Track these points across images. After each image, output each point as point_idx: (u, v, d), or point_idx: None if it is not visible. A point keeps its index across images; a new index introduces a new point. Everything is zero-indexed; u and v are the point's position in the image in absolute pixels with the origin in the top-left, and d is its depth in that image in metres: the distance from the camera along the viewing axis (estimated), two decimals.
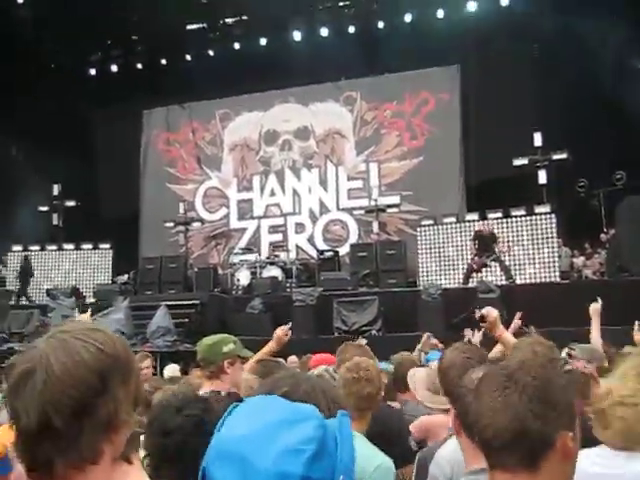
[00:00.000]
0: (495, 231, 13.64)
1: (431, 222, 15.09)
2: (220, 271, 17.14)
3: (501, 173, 15.80)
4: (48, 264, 17.49)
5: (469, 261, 13.76)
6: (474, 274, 13.57)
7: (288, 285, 15.80)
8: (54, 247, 17.71)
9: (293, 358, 8.73)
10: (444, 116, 18.15)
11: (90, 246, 17.54)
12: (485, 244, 13.34)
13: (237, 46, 19.64)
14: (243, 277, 15.90)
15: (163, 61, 20.16)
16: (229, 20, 19.63)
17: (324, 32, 18.74)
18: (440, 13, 17.68)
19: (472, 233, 13.94)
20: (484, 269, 13.57)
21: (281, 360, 4.51)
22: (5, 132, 18.65)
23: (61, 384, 1.17)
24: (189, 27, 19.68)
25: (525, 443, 1.42)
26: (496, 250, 13.36)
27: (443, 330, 11.38)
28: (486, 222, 14.11)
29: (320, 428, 1.00)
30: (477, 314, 3.76)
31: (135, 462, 1.30)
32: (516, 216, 14.11)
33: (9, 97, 18.08)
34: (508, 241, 13.89)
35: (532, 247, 13.83)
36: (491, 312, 3.75)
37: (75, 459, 1.18)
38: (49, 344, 1.22)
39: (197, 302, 13.74)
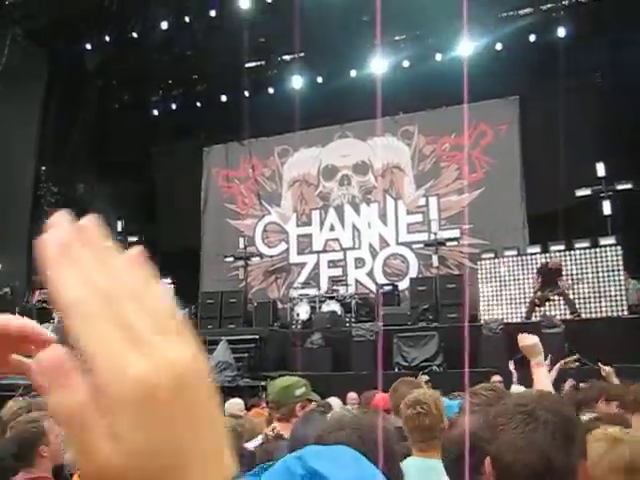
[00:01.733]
0: (562, 266, 13.35)
1: (492, 255, 14.89)
2: (279, 305, 17.22)
3: (563, 204, 15.47)
4: None
5: (532, 295, 13.48)
6: (537, 308, 13.29)
7: (347, 320, 15.75)
8: None
9: (353, 395, 8.67)
10: (503, 148, 17.97)
11: None
12: (549, 278, 13.06)
13: (295, 82, 19.92)
14: (302, 312, 15.93)
15: (222, 99, 20.56)
16: (286, 57, 19.95)
17: (381, 67, 18.85)
18: (498, 46, 17.59)
19: (536, 266, 13.69)
20: (547, 303, 13.28)
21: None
22: (72, 171, 19.31)
23: None
24: (247, 65, 20.07)
25: (553, 475, 1.48)
26: (560, 285, 13.07)
27: (505, 366, 11.15)
28: (553, 256, 13.83)
29: None
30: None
31: None
32: (580, 248, 13.81)
33: (76, 137, 18.72)
34: (572, 277, 13.58)
35: (597, 281, 13.48)
36: (525, 339, 3.57)
37: None
38: None
39: (257, 337, 13.79)
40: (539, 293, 13.16)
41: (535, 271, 13.61)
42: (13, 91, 16.92)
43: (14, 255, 17.34)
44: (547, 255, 13.99)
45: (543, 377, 3.38)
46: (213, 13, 17.71)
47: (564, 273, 13.35)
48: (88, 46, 18.28)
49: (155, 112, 21.12)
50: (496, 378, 9.32)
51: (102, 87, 20.00)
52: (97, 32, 17.98)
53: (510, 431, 1.51)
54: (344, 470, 1.05)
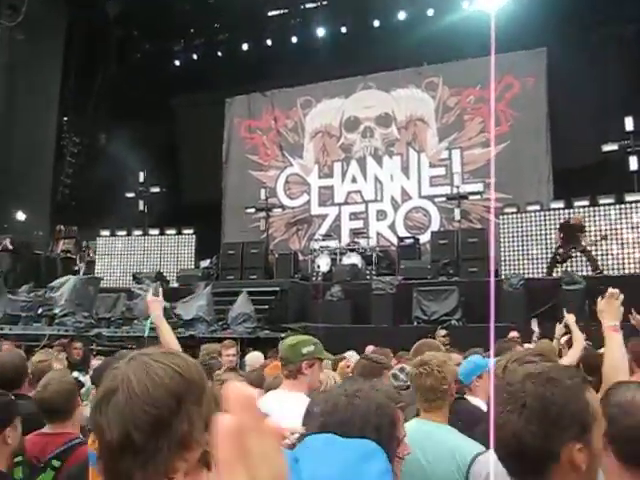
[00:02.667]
0: (585, 222, 13.19)
1: (514, 210, 14.76)
2: (300, 257, 17.27)
3: (589, 160, 15.27)
4: (134, 249, 18.00)
5: (554, 251, 13.39)
6: (559, 265, 13.21)
7: (368, 273, 15.78)
8: (139, 232, 18.19)
9: (371, 348, 8.72)
10: (529, 101, 17.65)
11: (174, 231, 17.93)
12: (572, 235, 12.94)
13: (318, 32, 19.62)
14: (323, 264, 15.97)
15: (244, 48, 20.33)
16: (310, 5, 19.62)
17: (403, 16, 18.50)
18: None
19: (559, 222, 13.56)
20: (569, 260, 13.20)
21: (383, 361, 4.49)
22: (94, 121, 19.32)
23: (141, 402, 1.26)
24: (270, 13, 19.79)
25: (525, 458, 1.49)
26: (583, 242, 12.94)
27: (524, 322, 11.15)
28: (577, 211, 13.68)
29: (386, 461, 1.08)
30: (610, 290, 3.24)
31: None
32: (604, 204, 13.64)
33: (97, 88, 18.68)
34: (595, 234, 13.42)
35: (621, 237, 13.34)
36: (609, 302, 3.14)
37: (153, 474, 1.25)
38: (131, 365, 1.32)
39: (277, 289, 13.86)
40: (561, 250, 13.07)
41: (557, 227, 13.48)
42: (34, 41, 16.86)
43: (38, 205, 17.52)
44: (571, 211, 13.85)
45: (616, 345, 3.01)
46: None
47: (587, 229, 13.22)
48: None
49: (177, 62, 20.97)
50: (513, 334, 9.29)
51: (123, 37, 19.86)
52: None
53: (497, 407, 1.56)
54: (322, 467, 1.07)
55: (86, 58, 18.20)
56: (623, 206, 13.44)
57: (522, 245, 14.35)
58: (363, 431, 1.60)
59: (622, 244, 13.34)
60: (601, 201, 13.68)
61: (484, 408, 3.59)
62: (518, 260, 14.33)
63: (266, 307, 13.30)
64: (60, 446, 3.35)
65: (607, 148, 14.79)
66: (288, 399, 3.35)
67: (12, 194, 16.78)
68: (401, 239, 16.82)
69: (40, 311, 11.37)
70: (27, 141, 17.19)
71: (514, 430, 1.50)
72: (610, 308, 3.12)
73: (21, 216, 17.13)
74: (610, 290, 3.16)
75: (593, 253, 13.11)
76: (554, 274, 13.02)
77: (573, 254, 13.10)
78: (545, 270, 13.51)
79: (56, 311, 11.11)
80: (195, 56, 20.65)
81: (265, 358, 7.86)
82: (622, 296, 3.14)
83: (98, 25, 18.42)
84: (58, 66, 17.88)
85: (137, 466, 1.25)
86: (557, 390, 1.53)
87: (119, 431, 1.24)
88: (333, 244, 17.20)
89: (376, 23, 18.79)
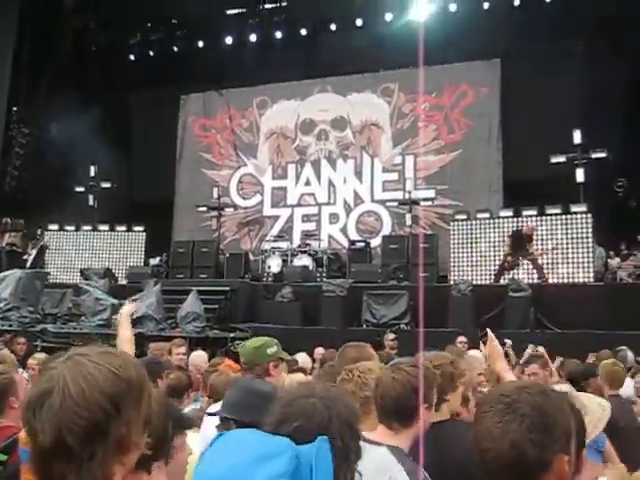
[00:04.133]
0: (535, 232, 13.45)
1: (465, 217, 14.98)
2: (251, 257, 17.22)
3: (538, 170, 15.58)
4: (83, 244, 17.71)
5: (502, 258, 13.63)
6: (506, 272, 13.45)
7: (318, 275, 15.82)
8: (89, 228, 17.91)
9: (320, 350, 8.76)
10: (483, 110, 17.94)
11: (124, 228, 17.70)
12: (521, 243, 13.19)
13: (277, 33, 19.59)
14: (274, 264, 15.95)
15: (201, 45, 20.18)
16: (269, 6, 19.59)
17: (362, 22, 18.61)
18: (485, 5, 17.42)
19: (510, 230, 13.80)
20: (516, 267, 13.45)
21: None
22: (45, 113, 18.94)
23: (76, 406, 1.22)
24: (229, 12, 19.69)
25: (522, 468, 1.51)
26: (530, 251, 13.20)
27: (472, 327, 11.33)
28: (525, 220, 13.93)
29: (293, 460, 1.02)
30: (489, 333, 3.47)
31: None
32: (551, 214, 13.94)
33: (49, 79, 18.33)
34: (544, 245, 13.71)
35: (566, 247, 13.66)
36: (494, 346, 3.46)
37: (88, 479, 1.22)
38: (67, 366, 1.28)
39: (227, 288, 13.79)
40: (509, 257, 13.30)
41: (508, 235, 13.73)
42: None
43: None
44: (519, 219, 14.11)
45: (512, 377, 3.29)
46: None
47: (535, 239, 13.49)
48: None
49: (133, 57, 20.70)
50: (461, 339, 9.45)
51: (78, 28, 19.51)
52: None
53: (489, 419, 1.56)
54: (219, 461, 1.06)
55: (38, 48, 17.82)
56: (569, 216, 13.75)
57: (471, 252, 14.57)
58: (326, 425, 1.60)
59: (566, 253, 13.65)
60: (548, 211, 13.98)
61: None
62: (467, 266, 14.54)
63: (216, 307, 13.23)
64: (4, 440, 3.31)
65: (555, 160, 15.10)
66: None
67: None
68: (352, 242, 16.91)
69: None
70: None
71: (514, 439, 1.51)
72: (494, 351, 3.33)
73: None
74: (489, 334, 3.36)
75: (540, 262, 13.38)
76: (502, 281, 13.25)
77: (520, 262, 13.35)
78: (493, 277, 13.74)
79: (0, 305, 10.86)
80: (151, 52, 20.40)
81: (214, 357, 7.83)
82: (495, 340, 3.34)
83: (53, 15, 18.06)
84: (9, 55, 17.47)
85: (71, 471, 1.22)
86: (550, 402, 1.58)
87: (53, 435, 1.21)
88: (284, 245, 17.18)
89: (334, 27, 18.84)
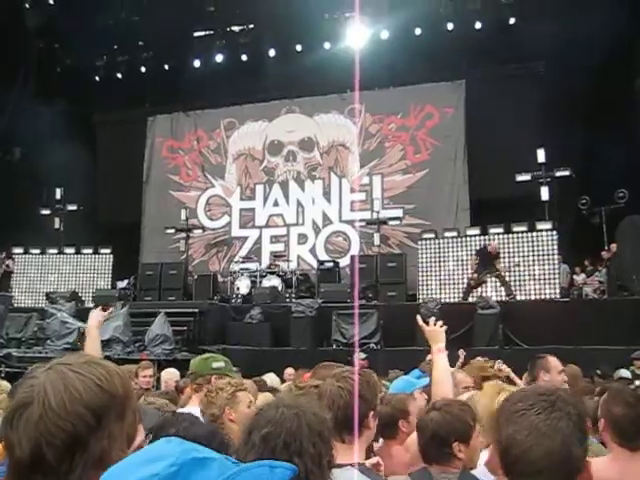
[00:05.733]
0: (499, 249, 13.60)
1: (432, 236, 15.10)
2: (220, 279, 17.14)
3: (504, 189, 15.81)
4: (48, 268, 17.48)
5: (469, 276, 13.74)
6: (473, 290, 13.56)
7: (288, 295, 15.79)
8: (55, 251, 17.69)
9: (290, 370, 8.72)
10: (448, 131, 18.16)
11: (90, 251, 17.52)
12: (487, 261, 13.32)
13: (244, 55, 19.65)
14: (243, 286, 15.89)
15: (168, 67, 20.16)
16: (236, 28, 19.66)
17: (329, 44, 18.77)
18: (450, 26, 17.68)
19: (475, 248, 13.94)
20: (483, 285, 13.57)
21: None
22: (9, 135, 18.71)
23: (56, 418, 1.17)
24: (196, 34, 19.73)
25: (568, 466, 1.52)
26: (497, 267, 13.33)
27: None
28: (492, 238, 14.07)
29: (171, 467, 0.97)
30: (418, 319, 3.66)
31: None
32: (517, 232, 14.12)
33: (14, 101, 18.14)
34: (510, 261, 13.87)
35: (533, 264, 13.83)
36: (435, 325, 3.60)
37: None
38: (48, 376, 1.22)
39: (196, 310, 13.70)
40: (475, 275, 13.42)
41: (474, 253, 13.85)
42: None
43: None
44: (486, 237, 14.26)
45: (442, 364, 3.50)
46: None
47: (502, 256, 13.63)
48: (27, 5, 17.64)
49: (98, 78, 20.58)
50: (431, 357, 9.45)
51: (43, 49, 19.37)
52: None
53: (532, 416, 1.54)
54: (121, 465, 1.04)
55: (3, 70, 17.63)
56: (535, 234, 13.94)
57: (440, 270, 14.67)
58: (295, 431, 1.60)
59: (533, 270, 13.81)
60: (514, 229, 14.15)
61: None
62: (435, 285, 14.63)
63: (184, 329, 13.13)
64: None
65: (520, 178, 15.31)
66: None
67: None
68: (321, 262, 16.93)
69: None
70: None
71: (564, 436, 1.51)
72: (434, 334, 3.56)
73: None
74: (418, 319, 3.65)
75: (507, 279, 13.51)
76: (470, 299, 13.34)
77: (487, 279, 13.47)
78: (461, 295, 13.83)
79: None
80: (118, 73, 20.31)
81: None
82: (440, 322, 3.61)
83: (16, 36, 17.90)
84: None
85: None
86: (582, 405, 1.64)
87: (31, 448, 1.15)
88: (253, 266, 17.15)
89: (300, 48, 18.95)
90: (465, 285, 13.81)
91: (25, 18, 17.90)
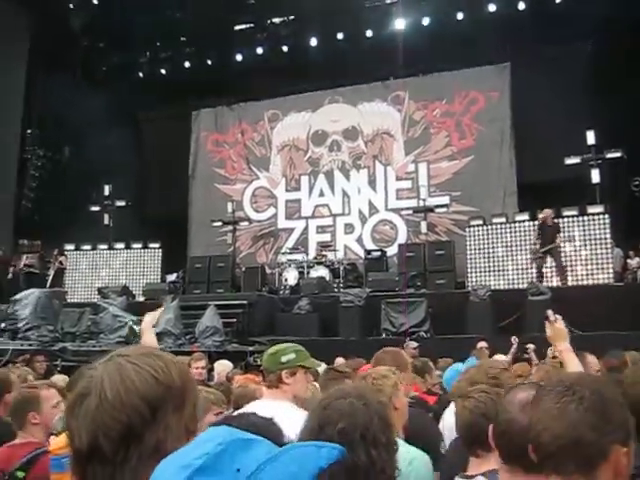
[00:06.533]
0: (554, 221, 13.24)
1: (480, 222, 14.91)
2: (268, 270, 17.22)
3: (553, 172, 15.49)
4: (99, 263, 17.78)
5: (533, 252, 13.32)
6: (541, 262, 13.15)
7: (335, 285, 15.79)
8: (105, 246, 17.99)
9: (340, 360, 8.70)
10: (493, 115, 17.89)
11: (140, 245, 17.77)
12: (548, 232, 12.97)
13: (285, 46, 19.65)
14: (291, 277, 15.95)
15: (211, 61, 20.28)
16: (276, 20, 19.66)
17: (371, 32, 18.62)
18: (492, 7, 17.39)
19: (537, 224, 13.50)
20: (546, 258, 13.15)
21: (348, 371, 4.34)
22: (58, 134, 19.09)
23: (112, 409, 1.18)
24: (237, 27, 19.78)
25: (580, 451, 1.49)
26: (557, 241, 12.99)
27: (491, 332, 11.25)
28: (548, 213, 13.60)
29: (219, 445, 0.99)
30: (549, 314, 3.41)
31: None
32: (568, 216, 13.83)
33: (62, 101, 18.46)
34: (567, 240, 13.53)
35: (585, 248, 13.55)
36: (558, 322, 3.44)
37: None
38: (106, 368, 1.24)
39: (245, 302, 13.79)
40: (538, 247, 13.03)
41: (535, 230, 13.44)
42: None
43: (0, 220, 17.20)
44: (535, 223, 13.99)
45: (574, 365, 3.22)
46: None
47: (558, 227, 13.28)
48: (71, 5, 17.90)
49: (143, 75, 20.81)
50: (482, 344, 9.37)
51: (88, 48, 19.65)
52: None
53: (547, 401, 1.57)
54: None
55: (50, 70, 17.95)
56: (586, 218, 13.65)
57: (488, 257, 14.48)
58: (369, 424, 1.60)
59: (585, 255, 13.54)
60: (565, 213, 13.87)
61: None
62: (485, 272, 14.45)
63: (234, 320, 13.22)
64: (23, 457, 3.31)
65: (570, 161, 15.01)
66: (272, 408, 3.25)
67: None
68: (368, 252, 16.87)
69: (3, 325, 11.15)
70: None
71: (572, 420, 1.50)
72: (556, 332, 3.29)
73: None
74: (549, 314, 3.33)
75: (562, 258, 13.19)
76: (543, 271, 13.05)
77: (552, 251, 13.03)
78: (535, 274, 13.39)
79: (19, 325, 10.90)
80: (162, 69, 20.50)
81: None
82: (559, 317, 3.31)
83: (63, 36, 18.22)
84: (22, 79, 17.64)
85: (105, 476, 1.18)
86: (610, 390, 1.58)
87: (88, 438, 1.18)
88: (300, 257, 17.18)
89: (341, 36, 18.84)
90: (535, 262, 13.35)
91: (70, 18, 18.16)
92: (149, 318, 4.01)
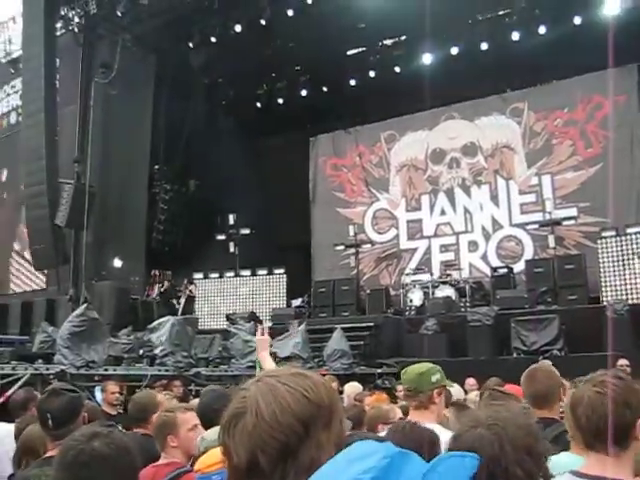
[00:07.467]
0: None
1: (613, 233, 14.22)
2: (392, 292, 17.16)
3: None
4: (226, 290, 18.30)
5: None
6: None
7: (462, 305, 15.50)
8: (232, 274, 18.50)
9: (471, 381, 8.49)
10: (621, 120, 17.07)
11: (265, 272, 18.16)
12: None
13: (397, 67, 19.64)
14: (416, 298, 15.82)
15: (325, 88, 20.56)
16: (388, 42, 19.70)
17: (484, 44, 18.26)
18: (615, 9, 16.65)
19: None
20: None
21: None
22: (183, 168, 19.89)
23: (269, 428, 1.24)
24: (349, 52, 19.98)
25: (619, 426, 2.09)
26: None
27: (632, 349, 10.65)
28: None
29: (384, 459, 1.02)
30: None
31: None
32: None
33: (186, 136, 19.26)
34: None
35: None
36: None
37: None
38: (259, 388, 1.30)
39: (371, 324, 13.79)
40: None
41: None
42: (126, 95, 17.59)
43: (133, 252, 18.06)
44: None
45: None
46: (310, 0, 17.51)
47: None
48: (191, 45, 18.66)
49: (260, 105, 21.37)
50: (623, 362, 8.88)
51: (208, 84, 20.41)
52: (199, 31, 18.30)
53: (582, 391, 2.29)
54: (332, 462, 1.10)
55: (173, 107, 18.76)
56: None
57: (623, 269, 13.77)
58: (498, 456, 1.49)
59: None
60: None
61: None
62: (620, 285, 13.75)
63: (360, 343, 13.26)
64: (165, 476, 3.41)
65: None
66: None
67: (110, 242, 17.40)
68: (494, 269, 16.49)
69: (141, 352, 11.61)
70: (123, 190, 17.84)
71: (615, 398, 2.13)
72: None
73: (118, 263, 17.66)
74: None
75: None
76: None
77: None
78: None
79: (156, 352, 11.31)
80: (279, 99, 20.99)
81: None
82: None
83: (184, 74, 19.03)
84: (148, 116, 18.52)
85: None
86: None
87: (247, 455, 1.23)
88: (425, 278, 17.02)
89: (455, 51, 18.54)
90: None
91: (190, 57, 18.95)
92: (263, 352, 3.99)
